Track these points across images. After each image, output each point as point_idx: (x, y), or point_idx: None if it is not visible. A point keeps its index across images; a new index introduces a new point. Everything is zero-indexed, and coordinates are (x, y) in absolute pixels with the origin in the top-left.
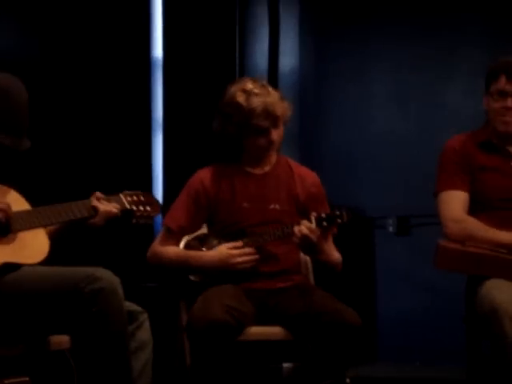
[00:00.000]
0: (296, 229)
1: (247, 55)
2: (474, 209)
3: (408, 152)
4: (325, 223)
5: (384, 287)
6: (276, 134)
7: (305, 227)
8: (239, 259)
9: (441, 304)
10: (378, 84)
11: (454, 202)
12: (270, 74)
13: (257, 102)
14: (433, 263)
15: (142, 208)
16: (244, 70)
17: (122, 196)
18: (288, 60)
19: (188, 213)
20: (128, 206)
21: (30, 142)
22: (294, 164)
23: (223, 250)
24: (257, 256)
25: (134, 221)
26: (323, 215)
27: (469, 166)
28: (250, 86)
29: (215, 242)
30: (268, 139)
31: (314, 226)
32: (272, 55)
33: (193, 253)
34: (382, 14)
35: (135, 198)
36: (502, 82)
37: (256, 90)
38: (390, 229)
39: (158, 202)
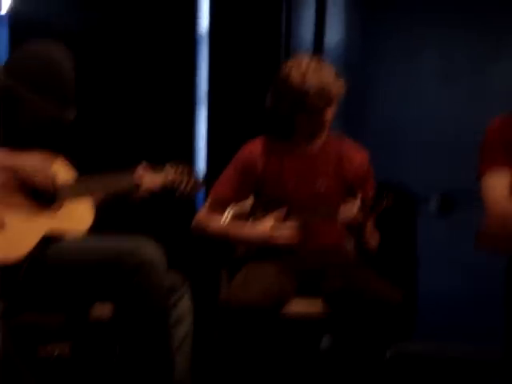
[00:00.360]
0: (342, 209)
1: (293, 29)
2: None
3: (453, 130)
4: (370, 204)
5: (425, 265)
6: (330, 114)
7: (351, 208)
8: (282, 233)
9: (481, 284)
10: (425, 62)
11: (499, 185)
12: (315, 48)
13: (312, 81)
14: (475, 244)
15: (185, 184)
16: (289, 44)
17: (168, 168)
18: (334, 34)
19: (234, 185)
20: (172, 181)
21: (75, 112)
22: (344, 142)
23: (265, 225)
24: (299, 233)
25: (176, 195)
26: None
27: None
28: (305, 64)
29: (260, 215)
30: (322, 119)
31: (359, 206)
32: (318, 28)
33: (235, 228)
34: None
35: (180, 171)
36: None
37: (312, 69)
38: (434, 206)
39: (199, 180)
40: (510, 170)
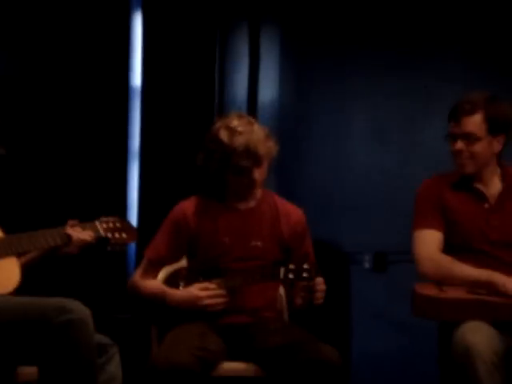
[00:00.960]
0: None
1: (227, 86)
2: (449, 250)
3: (386, 188)
4: (291, 275)
5: (359, 324)
6: (258, 174)
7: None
8: (208, 301)
9: (417, 343)
10: (358, 119)
11: (429, 241)
12: (249, 106)
13: (239, 140)
14: (411, 310)
15: (117, 235)
16: (223, 101)
17: (97, 223)
18: (268, 92)
19: (169, 244)
20: (103, 234)
21: (3, 149)
22: (279, 200)
23: (192, 292)
24: (227, 299)
25: (108, 248)
26: (291, 267)
27: (442, 207)
28: (234, 122)
29: (192, 278)
30: (250, 179)
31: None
32: (251, 85)
33: (167, 290)
34: (361, 49)
35: (111, 224)
36: (451, 126)
37: (240, 128)
38: (367, 265)
39: (134, 228)
40: (439, 227)
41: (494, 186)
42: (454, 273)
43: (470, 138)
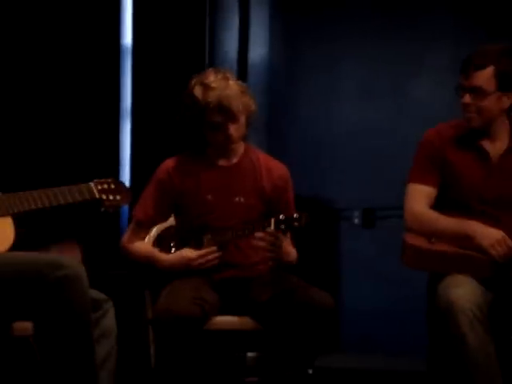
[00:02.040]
0: (256, 238)
1: (217, 44)
2: (446, 205)
3: (374, 145)
4: (283, 226)
5: (348, 279)
6: (234, 129)
7: (263, 237)
8: (200, 260)
9: (405, 296)
10: (348, 77)
11: (418, 196)
12: (239, 63)
13: (212, 96)
14: (400, 260)
15: (111, 197)
16: (214, 59)
17: (92, 185)
18: (258, 49)
19: (156, 203)
20: (97, 195)
21: None
22: (262, 156)
23: (183, 254)
24: (218, 253)
25: (102, 209)
26: (281, 217)
27: (442, 161)
28: (210, 78)
29: (182, 237)
30: (225, 134)
31: (272, 230)
32: (242, 44)
33: (157, 255)
34: (351, 8)
35: (105, 186)
36: (461, 78)
37: (214, 84)
38: (356, 221)
39: (128, 190)
40: (432, 182)
41: (500, 143)
42: (435, 227)
43: (477, 92)
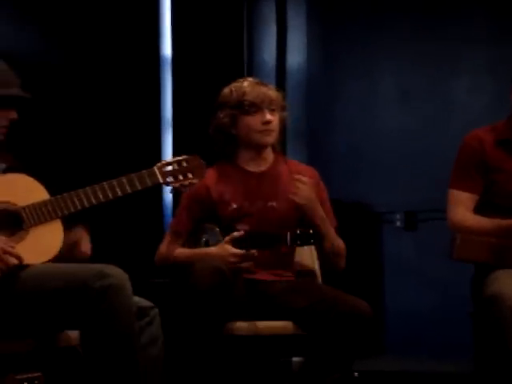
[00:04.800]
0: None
1: (255, 52)
2: (489, 210)
3: (414, 148)
4: (299, 242)
5: (391, 282)
6: (271, 117)
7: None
8: (237, 260)
9: (448, 298)
10: (385, 82)
11: (458, 204)
12: (277, 72)
13: (247, 84)
14: (449, 255)
15: (181, 177)
16: (252, 68)
17: (156, 170)
18: (296, 57)
19: (190, 215)
20: (161, 180)
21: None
22: (291, 162)
23: (226, 249)
24: (252, 262)
25: (171, 192)
26: (298, 232)
27: (484, 165)
28: (242, 80)
29: (219, 239)
30: (263, 119)
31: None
32: (280, 52)
33: (197, 251)
34: (387, 12)
35: (175, 166)
36: None
37: (247, 82)
38: (398, 223)
39: (203, 164)
40: (474, 189)
41: None
42: (477, 230)
43: None
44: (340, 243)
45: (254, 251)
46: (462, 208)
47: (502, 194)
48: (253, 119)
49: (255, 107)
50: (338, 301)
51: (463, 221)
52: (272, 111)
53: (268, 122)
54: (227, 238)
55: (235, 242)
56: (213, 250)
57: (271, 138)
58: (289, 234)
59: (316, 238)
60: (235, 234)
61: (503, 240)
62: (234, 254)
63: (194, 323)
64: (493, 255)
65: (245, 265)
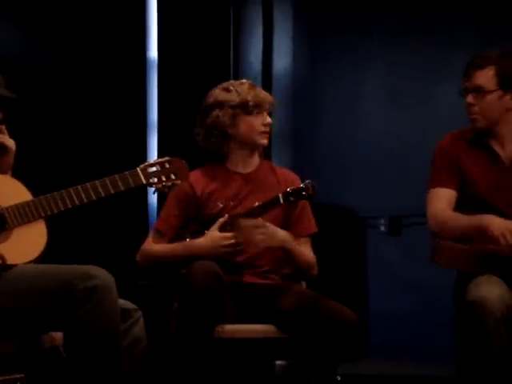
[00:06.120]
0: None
1: (241, 56)
2: (466, 209)
3: (400, 152)
4: (292, 198)
5: (375, 286)
6: (270, 119)
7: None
8: (229, 242)
9: (431, 303)
10: (371, 85)
11: (438, 198)
12: (264, 75)
13: (248, 86)
14: (431, 259)
15: (164, 178)
16: (238, 71)
17: (139, 171)
18: (282, 61)
19: (176, 213)
20: (144, 181)
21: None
22: (276, 167)
23: (215, 234)
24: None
25: (154, 192)
26: (289, 190)
27: (457, 165)
28: (236, 82)
29: (196, 230)
30: (264, 120)
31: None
32: (266, 56)
33: (183, 242)
34: (374, 15)
35: (158, 168)
36: (464, 81)
37: (246, 85)
38: (382, 228)
39: (185, 166)
40: (451, 185)
41: (511, 146)
42: (455, 224)
43: (479, 91)
44: (308, 257)
45: (258, 219)
46: (442, 202)
47: (474, 194)
48: (255, 120)
49: (258, 108)
50: (322, 306)
51: (442, 211)
52: (269, 114)
53: (268, 124)
54: (214, 226)
55: (222, 228)
56: (201, 240)
57: (267, 140)
58: (280, 194)
59: (307, 191)
60: (220, 220)
61: (477, 246)
62: (225, 237)
63: (189, 325)
64: (469, 263)
65: (238, 248)
